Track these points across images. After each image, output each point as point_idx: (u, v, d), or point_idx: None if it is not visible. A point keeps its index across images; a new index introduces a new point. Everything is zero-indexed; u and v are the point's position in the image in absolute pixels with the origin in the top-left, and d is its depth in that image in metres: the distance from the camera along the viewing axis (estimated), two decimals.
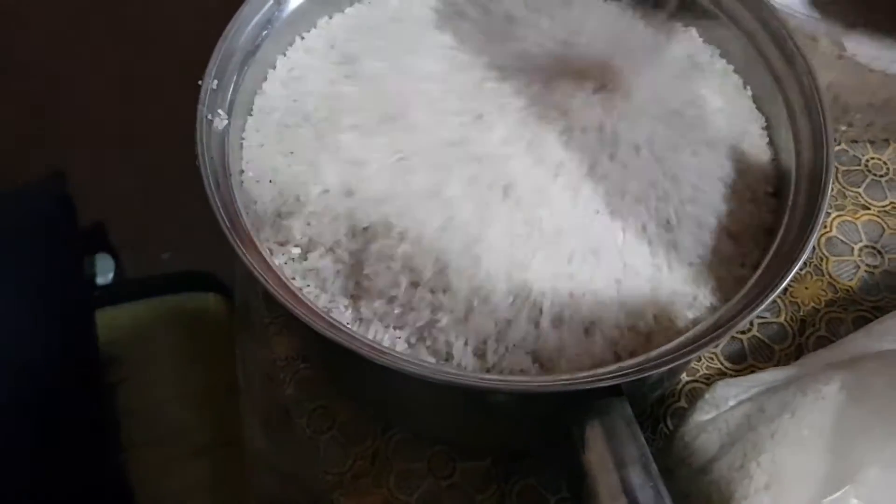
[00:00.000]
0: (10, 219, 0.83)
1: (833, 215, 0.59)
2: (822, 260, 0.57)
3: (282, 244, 0.45)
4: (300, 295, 0.41)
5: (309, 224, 0.45)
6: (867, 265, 0.57)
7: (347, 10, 0.56)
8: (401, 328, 0.42)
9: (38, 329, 0.78)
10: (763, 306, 0.39)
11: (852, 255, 0.58)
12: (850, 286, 0.56)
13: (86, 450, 0.77)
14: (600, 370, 0.39)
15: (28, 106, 1.24)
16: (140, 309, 0.94)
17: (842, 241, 0.58)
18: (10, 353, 0.74)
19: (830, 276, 0.57)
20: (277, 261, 0.45)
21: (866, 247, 0.58)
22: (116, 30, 1.30)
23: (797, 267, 0.40)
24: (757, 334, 0.55)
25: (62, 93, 1.26)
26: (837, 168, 0.62)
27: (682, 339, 0.40)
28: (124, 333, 0.90)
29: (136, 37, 1.28)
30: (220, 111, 0.46)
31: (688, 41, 0.55)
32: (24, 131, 1.22)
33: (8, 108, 1.22)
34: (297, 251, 0.45)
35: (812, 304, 0.56)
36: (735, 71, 0.54)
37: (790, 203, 0.46)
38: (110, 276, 1.04)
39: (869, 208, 0.60)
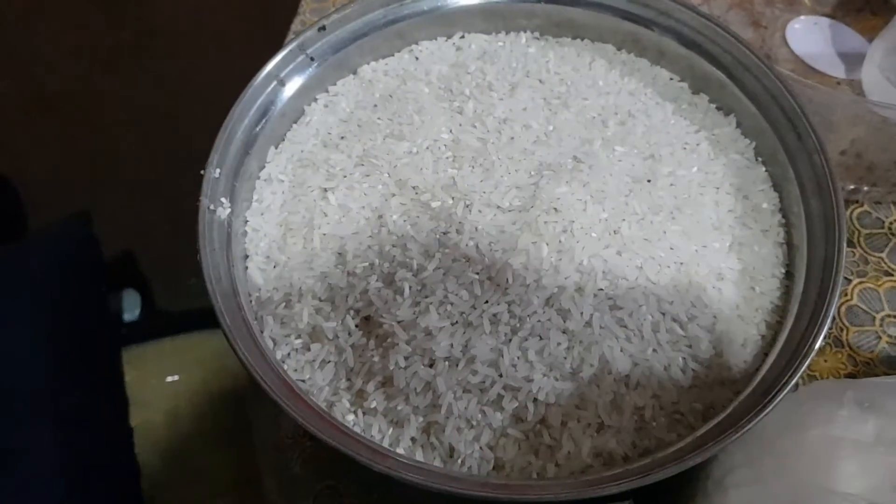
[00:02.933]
0: (35, 262, 0.84)
1: (854, 282, 0.58)
2: (841, 330, 0.56)
3: (286, 335, 0.45)
4: (299, 392, 0.40)
5: (314, 311, 0.45)
6: (889, 336, 0.55)
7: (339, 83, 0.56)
8: (403, 425, 0.42)
9: (65, 371, 0.78)
10: (773, 406, 0.38)
11: (874, 324, 0.56)
12: (870, 358, 0.55)
13: (113, 489, 0.78)
14: (607, 474, 0.38)
15: (57, 139, 1.27)
16: (165, 347, 0.95)
17: (863, 309, 0.56)
18: (37, 398, 0.75)
19: (850, 348, 0.55)
20: (280, 353, 0.44)
21: (888, 316, 0.56)
22: (138, 68, 1.33)
23: (803, 369, 0.38)
24: None
25: (90, 127, 1.28)
26: (859, 232, 0.60)
27: (691, 437, 0.39)
28: (150, 372, 0.91)
29: (157, 74, 1.30)
30: (222, 199, 0.46)
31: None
32: (53, 164, 1.24)
33: (38, 142, 1.25)
34: (298, 342, 0.44)
35: (831, 377, 0.54)
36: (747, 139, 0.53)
37: (801, 289, 0.44)
38: (137, 312, 1.05)
39: (892, 274, 0.58)
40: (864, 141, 0.60)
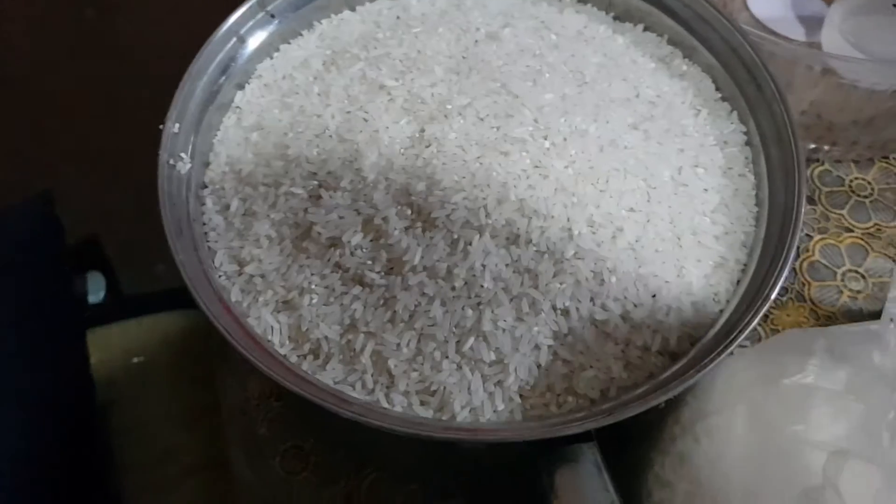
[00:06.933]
0: None
1: (816, 238, 0.58)
2: (804, 286, 0.56)
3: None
4: (267, 347, 0.40)
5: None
6: (850, 290, 0.56)
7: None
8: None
9: (28, 353, 0.77)
10: (732, 348, 0.38)
11: (835, 279, 0.57)
12: (832, 312, 0.55)
13: (79, 473, 0.76)
14: (570, 416, 0.38)
15: (15, 122, 1.25)
16: (131, 328, 0.93)
17: (824, 265, 0.57)
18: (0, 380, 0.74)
19: (813, 303, 0.56)
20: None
21: (850, 271, 0.57)
22: (102, 46, 1.31)
23: (764, 310, 0.39)
24: None
25: (49, 109, 1.26)
26: (820, 189, 0.61)
27: (652, 381, 0.40)
28: (115, 353, 0.89)
29: (123, 52, 1.28)
30: (182, 155, 0.46)
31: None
32: (12, 147, 1.22)
33: None
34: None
35: None
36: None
37: (763, 235, 0.45)
38: (102, 294, 1.04)
39: (852, 231, 0.59)
40: (823, 101, 0.60)
